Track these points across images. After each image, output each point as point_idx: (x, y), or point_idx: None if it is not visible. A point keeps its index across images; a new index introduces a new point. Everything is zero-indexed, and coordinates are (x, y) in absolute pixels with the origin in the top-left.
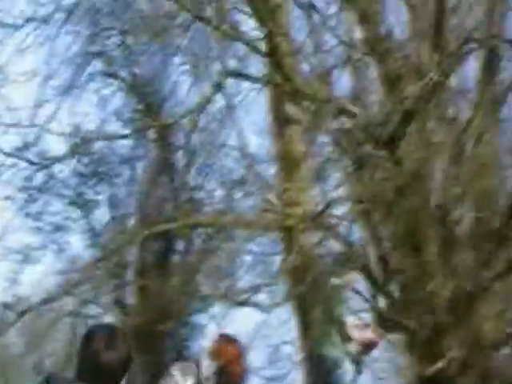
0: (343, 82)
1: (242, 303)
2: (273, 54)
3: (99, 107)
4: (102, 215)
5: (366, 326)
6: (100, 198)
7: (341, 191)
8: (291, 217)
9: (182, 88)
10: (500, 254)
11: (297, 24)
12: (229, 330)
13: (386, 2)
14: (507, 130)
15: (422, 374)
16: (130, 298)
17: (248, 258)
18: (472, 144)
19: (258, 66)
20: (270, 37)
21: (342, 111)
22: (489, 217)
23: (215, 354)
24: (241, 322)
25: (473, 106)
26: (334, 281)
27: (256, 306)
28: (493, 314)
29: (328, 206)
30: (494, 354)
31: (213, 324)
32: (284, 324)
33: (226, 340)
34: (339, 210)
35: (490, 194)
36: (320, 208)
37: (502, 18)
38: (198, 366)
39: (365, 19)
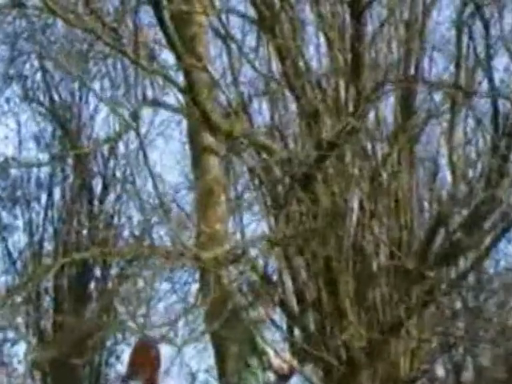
0: (262, 114)
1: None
2: (189, 89)
3: (17, 131)
4: (18, 240)
5: (284, 355)
6: (17, 222)
7: (258, 228)
8: (207, 254)
9: (101, 114)
10: (415, 291)
11: (215, 55)
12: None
13: (305, 35)
14: (423, 166)
15: None
16: (48, 324)
17: (165, 286)
18: (388, 179)
19: (177, 94)
20: (186, 72)
21: (259, 146)
22: (404, 253)
23: (139, 365)
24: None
25: (389, 141)
26: (252, 313)
27: (170, 342)
28: (407, 350)
29: (245, 250)
30: None
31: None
32: (201, 352)
33: (146, 348)
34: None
35: (405, 230)
36: (237, 248)
37: (419, 56)
38: None
39: (283, 52)
